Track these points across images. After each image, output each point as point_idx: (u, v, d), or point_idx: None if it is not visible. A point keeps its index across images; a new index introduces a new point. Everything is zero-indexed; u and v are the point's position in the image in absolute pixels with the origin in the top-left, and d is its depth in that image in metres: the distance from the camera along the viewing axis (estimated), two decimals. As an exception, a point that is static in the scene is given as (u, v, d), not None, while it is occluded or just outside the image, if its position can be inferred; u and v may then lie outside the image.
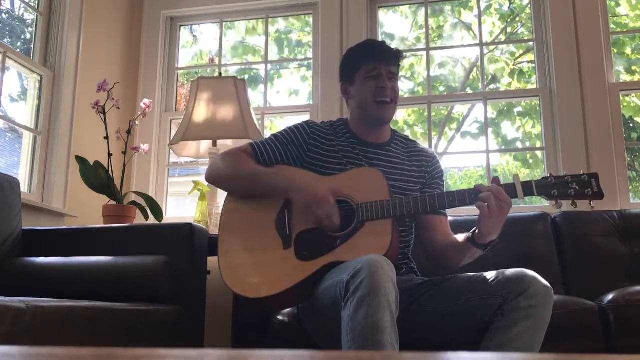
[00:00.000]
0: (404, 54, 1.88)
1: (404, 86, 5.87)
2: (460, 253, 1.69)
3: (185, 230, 2.03)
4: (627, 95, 5.13)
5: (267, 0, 3.33)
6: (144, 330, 1.73)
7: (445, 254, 1.74)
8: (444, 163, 2.10)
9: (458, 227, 1.85)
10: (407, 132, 5.50)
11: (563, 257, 2.41)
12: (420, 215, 1.72)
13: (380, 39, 3.14)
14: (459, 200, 1.59)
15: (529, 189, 1.55)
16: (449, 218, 1.87)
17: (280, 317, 1.93)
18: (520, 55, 6.21)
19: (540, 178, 1.57)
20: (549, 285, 1.46)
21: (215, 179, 1.87)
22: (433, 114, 3.38)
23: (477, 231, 1.59)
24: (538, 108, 3.03)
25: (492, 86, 5.88)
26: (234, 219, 1.77)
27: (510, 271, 1.50)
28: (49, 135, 2.77)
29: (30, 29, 2.99)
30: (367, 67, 1.81)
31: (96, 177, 2.56)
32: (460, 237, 1.70)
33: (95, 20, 3.06)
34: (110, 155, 2.61)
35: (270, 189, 1.71)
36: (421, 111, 5.82)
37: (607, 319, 1.88)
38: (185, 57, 4.21)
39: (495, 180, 1.57)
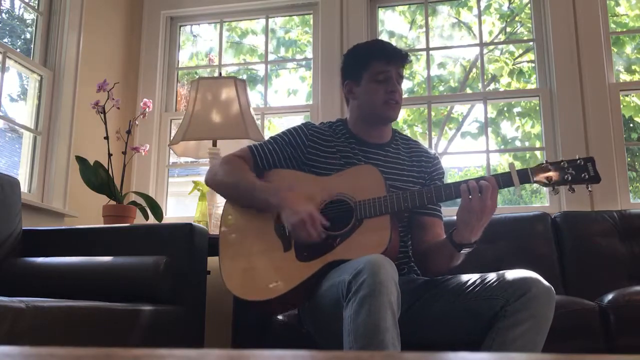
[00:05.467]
0: (410, 56, 1.85)
1: (404, 86, 5.89)
2: (438, 252, 1.66)
3: (185, 230, 2.03)
4: (627, 95, 5.13)
5: (267, 0, 3.33)
6: (144, 330, 1.73)
7: (430, 254, 1.71)
8: (444, 163, 2.09)
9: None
10: (407, 132, 5.50)
11: (563, 257, 2.41)
12: (418, 209, 1.70)
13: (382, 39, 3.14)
14: (455, 193, 1.57)
15: (524, 176, 1.54)
16: (447, 218, 1.87)
17: (280, 317, 1.94)
18: (520, 55, 6.21)
19: (536, 165, 1.56)
20: (550, 286, 1.46)
21: (213, 187, 1.89)
22: (433, 113, 3.37)
23: (455, 229, 1.57)
24: (538, 108, 3.03)
25: (492, 86, 5.87)
26: (234, 223, 1.77)
27: (511, 273, 1.50)
28: (49, 135, 2.77)
29: (30, 29, 2.99)
30: (376, 67, 1.77)
31: (96, 177, 2.56)
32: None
33: (95, 20, 3.06)
34: (110, 155, 2.61)
35: (262, 206, 1.71)
36: (421, 111, 5.81)
37: (607, 319, 1.88)
38: (184, 56, 4.21)
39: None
